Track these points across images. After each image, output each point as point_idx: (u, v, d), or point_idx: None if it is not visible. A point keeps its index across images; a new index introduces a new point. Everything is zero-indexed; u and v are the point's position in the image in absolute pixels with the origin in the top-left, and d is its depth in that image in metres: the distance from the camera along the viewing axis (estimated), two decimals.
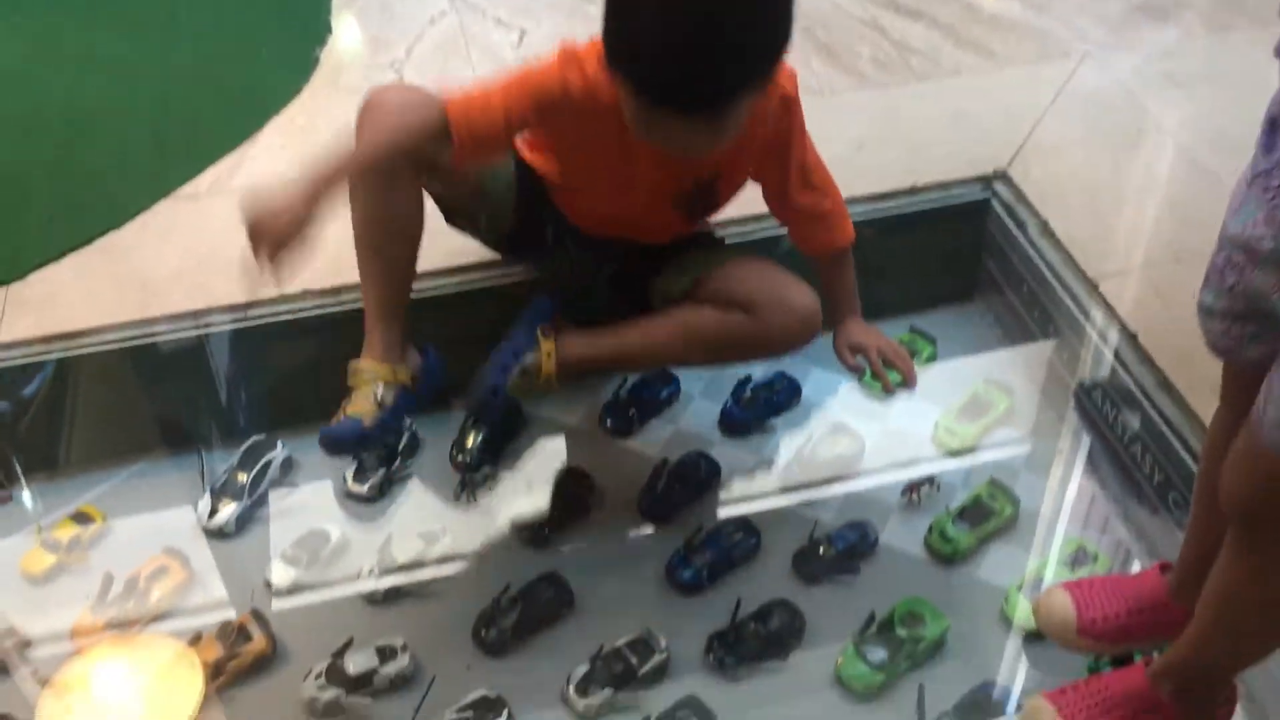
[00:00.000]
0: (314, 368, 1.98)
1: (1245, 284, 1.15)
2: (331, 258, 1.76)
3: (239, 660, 1.78)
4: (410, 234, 1.76)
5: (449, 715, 1.71)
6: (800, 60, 2.56)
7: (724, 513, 2.00)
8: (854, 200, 2.17)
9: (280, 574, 1.91)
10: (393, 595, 1.90)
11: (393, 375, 1.76)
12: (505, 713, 1.71)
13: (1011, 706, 1.72)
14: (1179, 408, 1.83)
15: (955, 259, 2.31)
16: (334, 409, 1.75)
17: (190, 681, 1.75)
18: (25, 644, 1.83)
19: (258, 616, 1.83)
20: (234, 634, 1.80)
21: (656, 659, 1.76)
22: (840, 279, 1.92)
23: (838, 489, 2.05)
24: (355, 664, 1.76)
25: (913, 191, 2.22)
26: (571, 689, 1.74)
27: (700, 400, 2.19)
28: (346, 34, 2.74)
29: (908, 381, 1.86)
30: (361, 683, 1.75)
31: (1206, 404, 1.56)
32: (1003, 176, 2.23)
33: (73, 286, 2.07)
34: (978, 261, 2.29)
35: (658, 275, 1.89)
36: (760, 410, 2.14)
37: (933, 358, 2.22)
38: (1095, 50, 2.56)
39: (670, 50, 1.39)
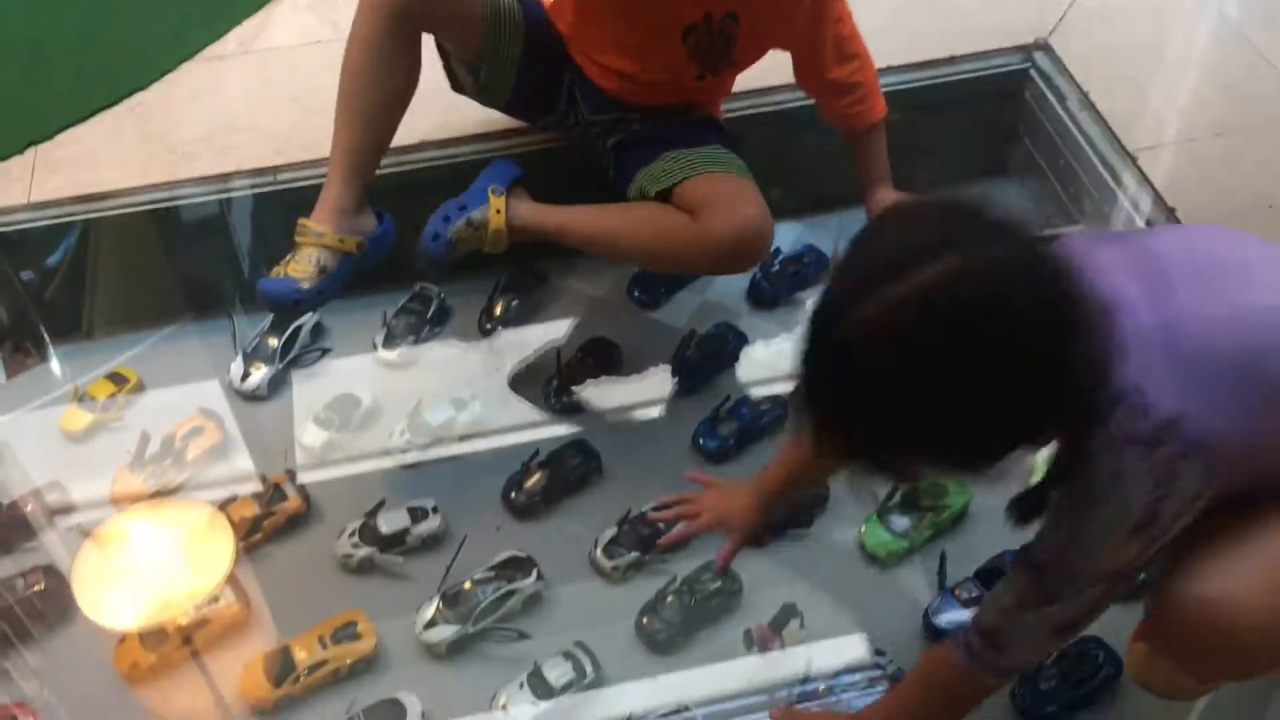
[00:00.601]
0: None
1: None
2: None
3: (274, 519, 1.82)
4: (398, 91, 1.73)
5: (479, 574, 1.75)
6: None
7: (750, 384, 2.01)
8: (888, 70, 2.13)
9: (312, 436, 1.94)
10: (423, 459, 1.93)
11: (339, 244, 1.73)
12: (534, 572, 1.76)
13: None
14: None
15: (990, 132, 2.28)
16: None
17: (223, 543, 1.80)
18: (66, 498, 1.87)
19: (292, 477, 1.87)
20: (269, 493, 1.84)
21: (682, 523, 1.79)
22: (871, 150, 1.89)
23: None
24: (388, 524, 1.80)
25: (950, 61, 2.17)
26: (599, 551, 1.78)
27: None
28: None
29: None
30: (394, 542, 1.79)
31: None
32: (1044, 47, 2.18)
33: (102, 147, 2.07)
34: (1014, 135, 2.25)
35: (648, 165, 1.84)
36: (788, 283, 2.13)
37: None
38: None
39: None
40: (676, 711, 1.64)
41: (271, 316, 2.04)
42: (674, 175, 1.79)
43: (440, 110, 2.01)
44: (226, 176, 2.02)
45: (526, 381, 2.03)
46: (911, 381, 0.95)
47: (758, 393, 1.97)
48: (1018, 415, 1.00)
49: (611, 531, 1.80)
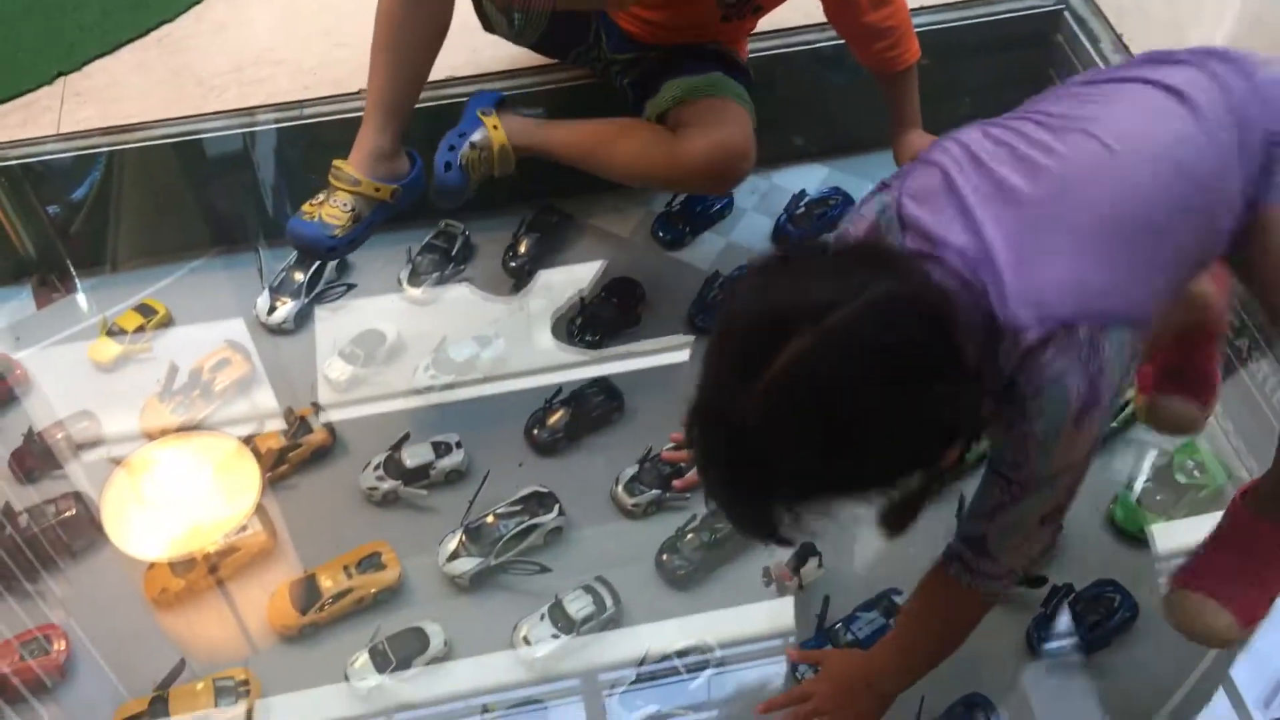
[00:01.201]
0: None
1: None
2: None
3: (299, 451, 1.85)
4: (432, 35, 1.72)
5: (501, 508, 1.78)
6: None
7: None
8: (920, 10, 2.11)
9: (338, 370, 1.96)
10: (447, 394, 1.95)
11: (374, 192, 1.75)
12: (556, 508, 1.77)
13: None
14: None
15: (1022, 74, 2.24)
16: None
17: (249, 474, 1.83)
18: (95, 428, 1.90)
19: (317, 410, 1.89)
20: (295, 426, 1.86)
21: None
22: (903, 94, 1.87)
23: None
24: (412, 457, 1.82)
25: (983, 1, 2.14)
26: (620, 488, 1.80)
27: (753, 214, 2.18)
28: None
29: None
30: (418, 475, 1.81)
31: None
32: None
33: (129, 79, 2.07)
34: (1045, 78, 2.22)
35: (653, 96, 1.85)
36: (814, 225, 2.12)
37: None
38: None
39: None
40: (695, 648, 1.67)
41: (297, 252, 2.05)
42: (671, 100, 1.81)
43: (469, 47, 2.00)
44: (253, 110, 2.02)
45: (550, 319, 2.04)
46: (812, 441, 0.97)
47: None
48: (926, 437, 1.00)
49: (633, 469, 1.82)
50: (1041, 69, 2.21)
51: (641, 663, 1.65)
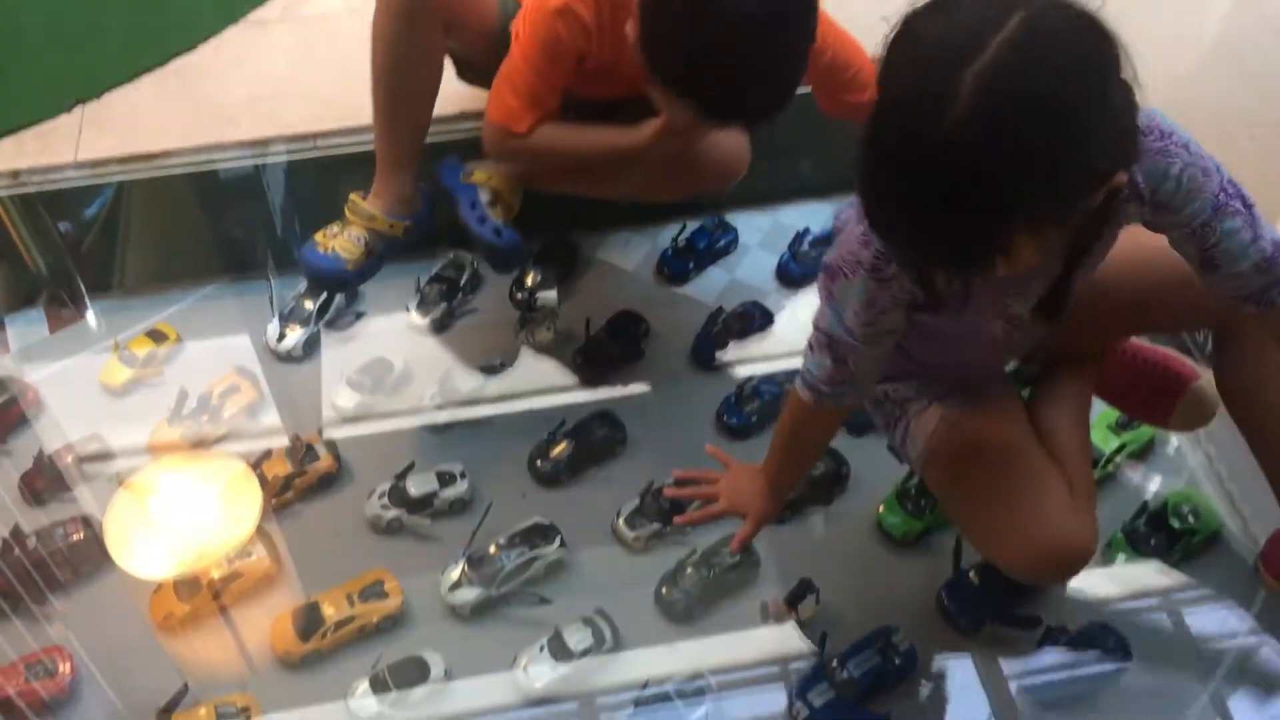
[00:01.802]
0: None
1: None
2: None
3: (305, 478, 1.87)
4: (428, 82, 1.76)
5: (504, 539, 1.80)
6: None
7: (776, 363, 2.03)
8: None
9: (346, 398, 1.98)
10: (452, 424, 1.97)
11: (388, 228, 1.80)
12: (557, 540, 1.80)
13: None
14: None
15: None
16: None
17: (251, 497, 1.85)
18: (104, 451, 1.93)
19: (324, 436, 1.92)
20: (302, 452, 1.88)
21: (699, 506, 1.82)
22: None
23: None
24: (416, 486, 1.85)
25: None
26: (621, 521, 1.83)
27: (757, 251, 2.21)
28: None
29: None
30: (422, 504, 1.84)
31: None
32: None
33: (148, 108, 2.11)
34: None
35: None
36: (816, 264, 2.14)
37: None
38: None
39: (733, 76, 1.42)
40: (692, 679, 1.69)
41: (309, 282, 2.09)
42: None
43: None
44: (267, 141, 2.06)
45: (555, 352, 2.06)
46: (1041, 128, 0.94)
47: (782, 375, 2.00)
48: (1118, 132, 1.01)
49: (634, 503, 1.84)
50: None
51: (640, 692, 1.67)
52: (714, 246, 2.19)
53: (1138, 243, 1.30)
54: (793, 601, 1.74)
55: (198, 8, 2.30)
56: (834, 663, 1.67)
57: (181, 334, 2.07)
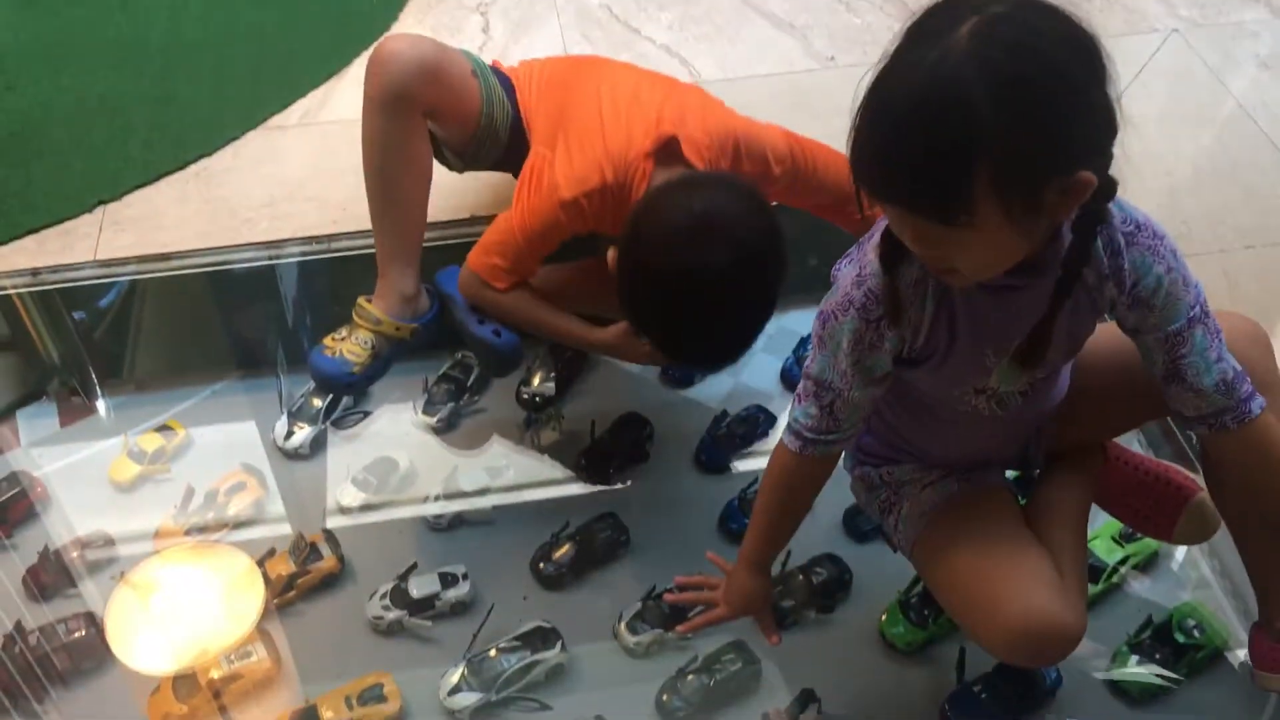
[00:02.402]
0: None
1: None
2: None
3: (308, 578, 1.87)
4: (421, 174, 1.81)
5: (504, 642, 1.79)
6: (884, 25, 2.58)
7: None
8: None
9: (350, 497, 1.99)
10: (456, 524, 1.98)
11: (394, 331, 1.85)
12: (559, 644, 1.79)
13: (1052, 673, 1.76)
14: None
15: None
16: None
17: (254, 592, 1.85)
18: (110, 547, 1.93)
19: (329, 536, 1.92)
20: (305, 551, 1.89)
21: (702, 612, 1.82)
22: None
23: None
24: (418, 588, 1.85)
25: None
26: (623, 626, 1.82)
27: (761, 355, 2.23)
28: None
29: None
30: (423, 606, 1.83)
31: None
32: None
33: (167, 209, 2.16)
34: None
35: None
36: None
37: None
38: (1183, 27, 2.53)
39: (687, 336, 1.58)
40: None
41: (316, 384, 2.11)
42: None
43: (487, 185, 2.09)
44: (282, 243, 2.10)
45: (560, 453, 2.08)
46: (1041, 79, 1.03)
47: None
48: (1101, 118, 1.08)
49: (636, 607, 1.84)
50: None
51: None
52: None
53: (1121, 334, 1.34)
54: (795, 712, 1.72)
55: (219, 113, 2.37)
56: None
57: (190, 430, 2.09)
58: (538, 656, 1.77)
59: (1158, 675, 1.74)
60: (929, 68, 1.03)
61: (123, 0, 2.70)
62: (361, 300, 1.84)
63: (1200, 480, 1.59)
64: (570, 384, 2.17)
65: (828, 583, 1.86)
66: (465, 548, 1.94)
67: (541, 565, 1.90)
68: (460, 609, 1.85)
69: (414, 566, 1.88)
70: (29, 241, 2.10)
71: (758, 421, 2.09)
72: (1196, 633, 1.76)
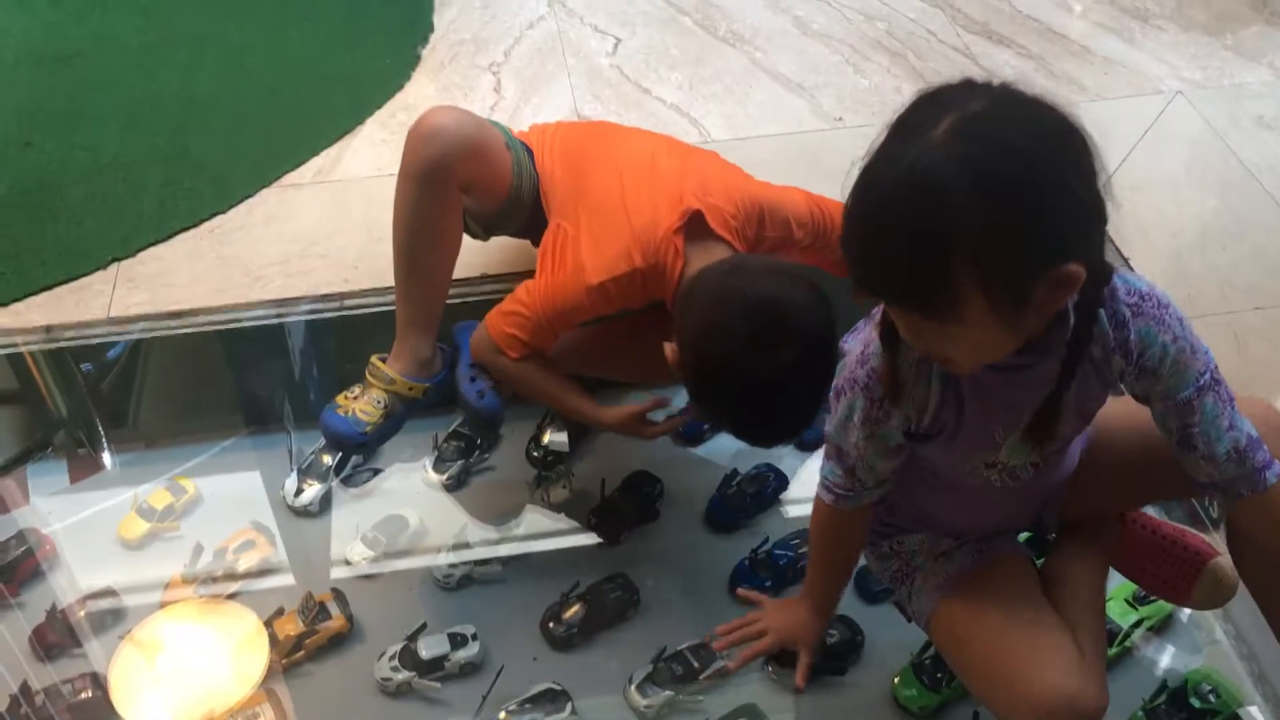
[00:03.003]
0: None
1: None
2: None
3: (317, 637, 1.86)
4: (450, 247, 1.83)
5: (514, 704, 1.78)
6: (891, 86, 2.61)
7: (790, 526, 2.04)
8: None
9: (360, 555, 1.99)
10: (466, 583, 1.97)
11: (407, 390, 1.86)
12: (569, 706, 1.78)
13: None
14: None
15: None
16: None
17: (259, 651, 1.84)
18: (118, 606, 1.92)
19: (338, 595, 1.91)
20: (314, 611, 1.88)
21: (718, 664, 1.81)
22: None
23: None
24: (427, 648, 1.84)
25: None
26: (633, 688, 1.80)
27: None
28: (448, 33, 2.82)
29: None
30: (432, 667, 1.82)
31: None
32: None
33: (180, 266, 2.17)
34: None
35: None
36: None
37: None
38: (1187, 89, 2.56)
39: (751, 424, 1.61)
40: None
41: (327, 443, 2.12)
42: None
43: (499, 244, 2.10)
44: (294, 300, 2.11)
45: (570, 511, 2.07)
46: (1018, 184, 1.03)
47: (795, 536, 2.00)
48: (1078, 213, 1.06)
49: (646, 669, 1.82)
50: None
51: None
52: None
53: (1140, 408, 1.34)
54: None
55: (232, 170, 2.39)
56: None
57: (200, 487, 2.09)
58: (548, 719, 1.75)
59: None
60: (907, 165, 1.03)
61: (138, 59, 2.74)
62: (375, 360, 1.84)
63: (1218, 544, 1.58)
64: (580, 441, 2.17)
65: (839, 644, 1.85)
66: (474, 607, 1.93)
67: (551, 625, 1.89)
68: (470, 670, 1.84)
69: (423, 626, 1.87)
70: (43, 298, 2.11)
71: (768, 480, 2.09)
72: (1212, 697, 1.75)
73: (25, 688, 1.77)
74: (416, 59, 2.71)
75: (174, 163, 2.42)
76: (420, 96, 2.59)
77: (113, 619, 1.90)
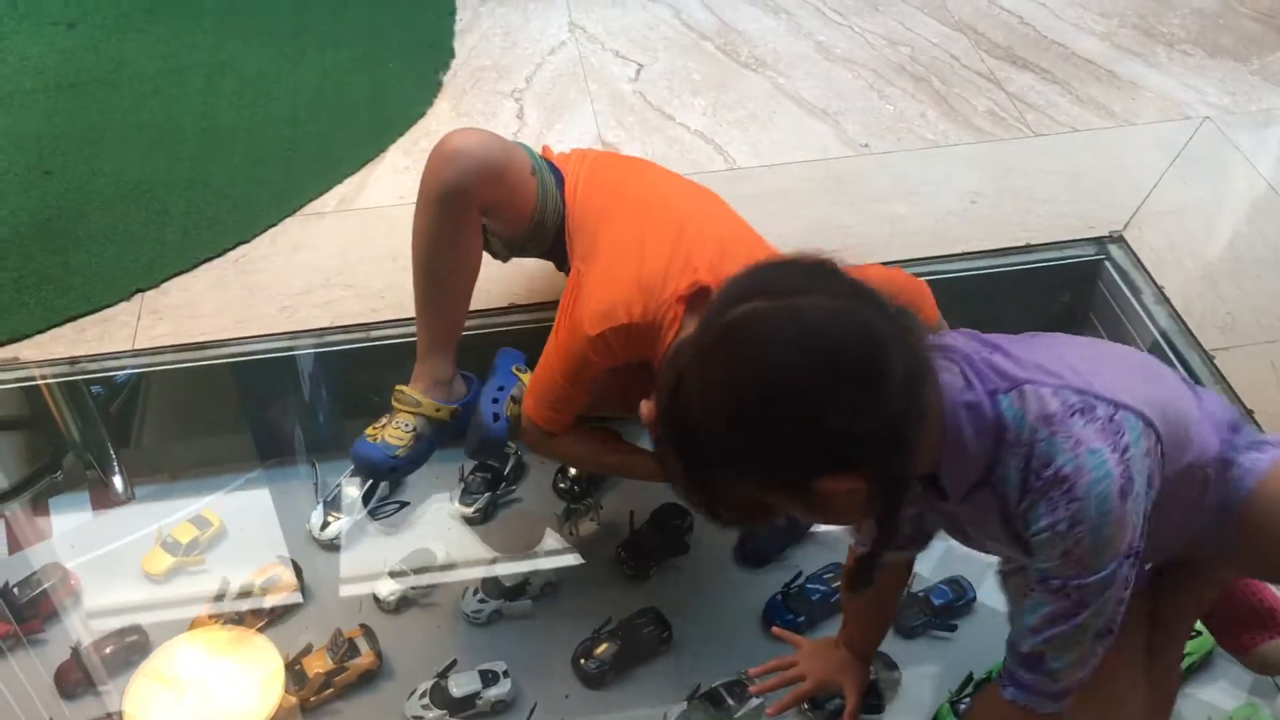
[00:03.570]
0: None
1: None
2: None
3: (346, 675, 1.83)
4: (470, 270, 1.82)
5: None
6: (916, 111, 2.59)
7: (823, 559, 2.01)
8: (965, 255, 2.20)
9: (388, 589, 1.96)
10: (495, 618, 1.94)
11: (435, 412, 1.84)
12: None
13: None
14: None
15: (1063, 321, 2.31)
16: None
17: (273, 680, 1.82)
18: (143, 642, 1.89)
19: (367, 631, 1.89)
20: (344, 648, 1.85)
21: (754, 702, 1.78)
22: None
23: (936, 544, 2.04)
24: (458, 686, 1.81)
25: (1026, 249, 2.22)
26: None
27: None
28: (469, 60, 2.80)
29: None
30: (464, 705, 1.79)
31: None
32: (1119, 240, 2.23)
33: (205, 297, 2.16)
34: (1087, 324, 2.29)
35: None
36: None
37: None
38: (1215, 114, 2.55)
39: None
40: None
41: (352, 466, 2.09)
42: None
43: (526, 275, 2.09)
44: (321, 331, 2.09)
45: (599, 544, 2.05)
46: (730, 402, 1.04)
47: (828, 570, 1.97)
48: (826, 433, 1.04)
49: (680, 706, 1.80)
50: (1084, 315, 2.28)
51: None
52: None
53: None
54: None
55: (254, 198, 2.37)
56: None
57: (225, 520, 2.06)
58: None
59: None
60: (685, 351, 1.08)
61: (156, 84, 2.72)
62: (399, 386, 1.84)
63: None
64: (608, 475, 2.15)
65: (877, 682, 1.82)
66: (505, 643, 1.91)
67: (583, 662, 1.87)
68: (501, 708, 1.81)
69: (453, 663, 1.84)
70: (67, 330, 2.09)
71: None
72: None
73: None
74: (438, 85, 2.69)
75: (196, 190, 2.41)
76: (442, 123, 2.58)
77: (138, 657, 1.87)
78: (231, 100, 2.67)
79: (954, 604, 1.93)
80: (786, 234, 2.24)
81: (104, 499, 2.11)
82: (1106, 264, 2.22)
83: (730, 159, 2.47)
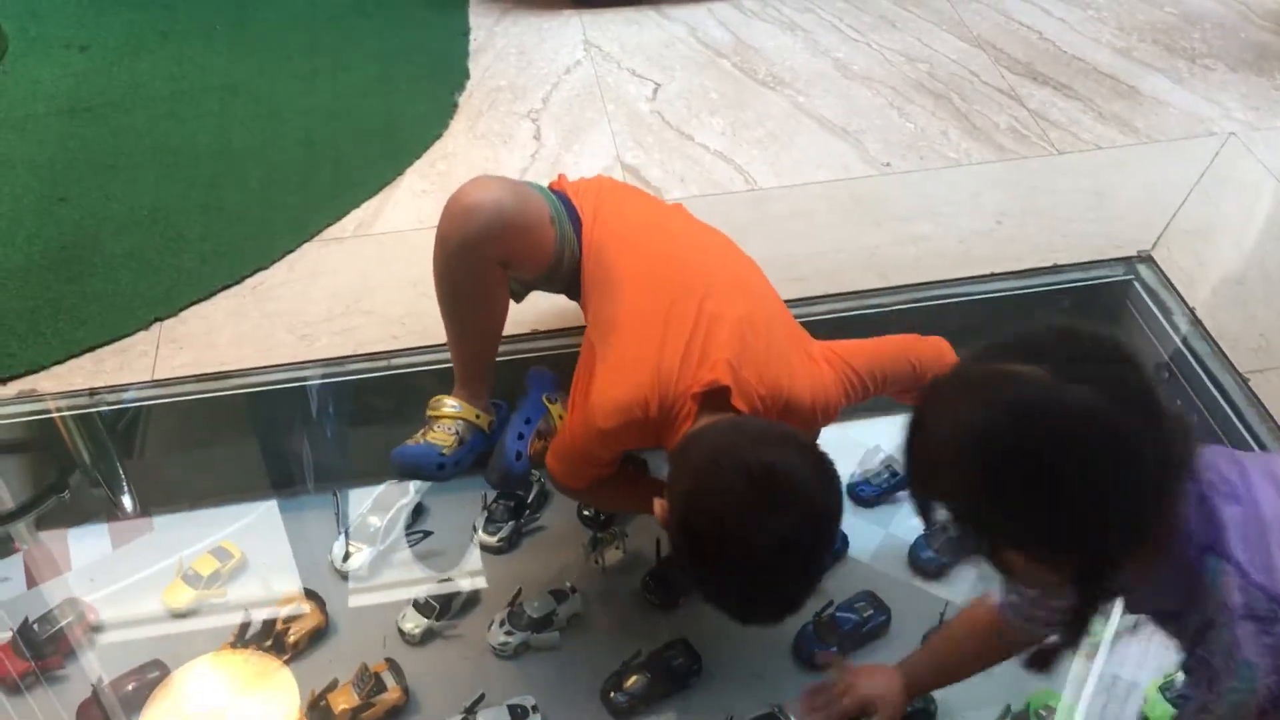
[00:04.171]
0: None
1: None
2: None
3: (373, 710, 1.80)
4: (496, 310, 1.81)
5: None
6: (937, 129, 2.57)
7: (854, 587, 1.98)
8: (993, 276, 2.17)
9: (413, 622, 1.93)
10: (522, 650, 1.91)
11: (475, 418, 1.84)
12: None
13: None
14: None
15: None
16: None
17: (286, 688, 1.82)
18: (166, 677, 1.86)
19: (393, 665, 1.86)
20: (370, 683, 1.82)
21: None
22: None
23: (969, 567, 2.03)
24: None
25: (1054, 270, 2.20)
26: None
27: None
28: (484, 80, 2.78)
29: None
30: None
31: None
32: (1147, 259, 2.20)
33: (224, 325, 2.13)
34: None
35: None
36: (889, 482, 2.12)
37: None
38: (1240, 131, 2.52)
39: (740, 601, 1.55)
40: None
41: (374, 497, 2.07)
42: None
43: (549, 301, 2.05)
44: (342, 359, 2.07)
45: (625, 573, 2.02)
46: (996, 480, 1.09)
47: (861, 598, 1.95)
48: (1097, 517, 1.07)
49: None
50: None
51: None
52: None
53: None
54: None
55: (271, 224, 2.35)
56: None
57: (246, 552, 2.03)
58: None
59: None
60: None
61: (169, 107, 2.70)
62: (437, 396, 1.84)
63: None
64: None
65: (916, 714, 1.79)
66: (533, 676, 1.88)
67: (613, 695, 1.84)
68: None
69: (481, 697, 1.81)
70: (86, 360, 2.06)
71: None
72: None
73: None
74: (453, 107, 2.67)
75: (211, 215, 2.38)
76: (459, 146, 2.56)
77: (160, 692, 1.84)
78: (245, 123, 2.65)
79: None
80: (811, 255, 2.23)
81: (123, 532, 2.08)
82: (1135, 284, 2.20)
83: (751, 179, 2.44)
